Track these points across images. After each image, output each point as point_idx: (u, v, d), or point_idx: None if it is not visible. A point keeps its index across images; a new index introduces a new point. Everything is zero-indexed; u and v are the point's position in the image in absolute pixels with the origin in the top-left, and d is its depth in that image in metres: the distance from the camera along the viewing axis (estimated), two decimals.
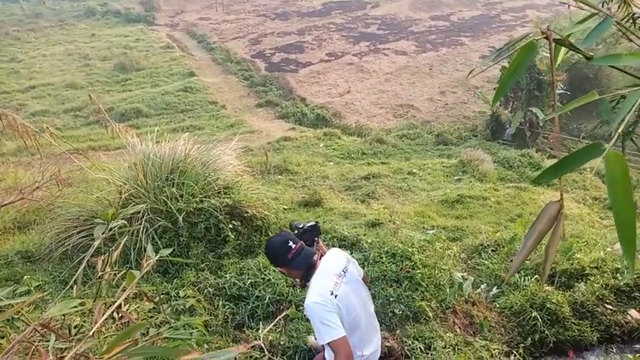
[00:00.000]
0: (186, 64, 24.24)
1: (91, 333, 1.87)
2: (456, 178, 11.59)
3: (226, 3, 38.28)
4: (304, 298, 4.85)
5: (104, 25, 34.37)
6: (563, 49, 3.00)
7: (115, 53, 25.88)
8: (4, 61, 25.94)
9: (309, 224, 3.50)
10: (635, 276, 5.19)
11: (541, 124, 15.36)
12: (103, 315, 1.94)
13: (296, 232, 3.48)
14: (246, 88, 21.59)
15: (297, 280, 2.97)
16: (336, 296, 2.71)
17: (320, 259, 3.00)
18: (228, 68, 24.02)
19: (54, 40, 30.53)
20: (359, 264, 5.11)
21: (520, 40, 1.24)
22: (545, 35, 1.19)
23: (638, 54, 1.24)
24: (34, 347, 1.80)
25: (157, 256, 2.05)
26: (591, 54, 1.30)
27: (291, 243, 2.84)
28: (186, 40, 29.92)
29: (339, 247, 6.07)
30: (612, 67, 1.38)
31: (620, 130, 1.12)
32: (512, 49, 1.32)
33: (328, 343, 2.58)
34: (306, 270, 2.85)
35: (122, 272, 2.30)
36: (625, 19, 5.26)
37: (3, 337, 2.14)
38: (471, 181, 11.13)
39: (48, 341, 1.93)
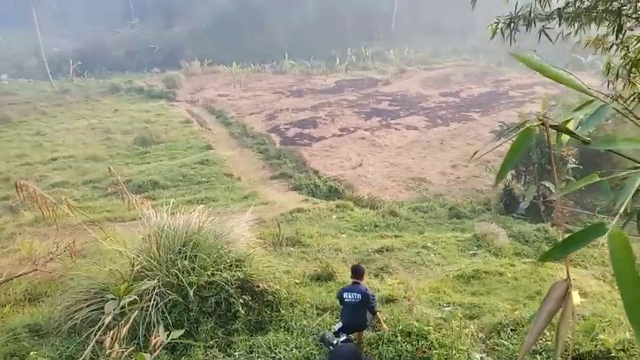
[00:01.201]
0: (203, 137, 25.07)
1: None
2: (471, 252, 11.40)
3: (244, 81, 40.20)
4: None
5: (127, 100, 36.12)
6: (571, 123, 3.07)
7: (137, 127, 26.95)
8: (29, 134, 27.08)
9: (342, 340, 3.95)
10: None
11: (554, 198, 15.28)
12: None
13: (331, 347, 3.82)
14: (262, 160, 22.10)
15: None
16: None
17: None
18: (244, 142, 24.76)
19: (78, 114, 32.01)
20: (372, 344, 5.08)
21: (519, 126, 1.31)
22: (542, 122, 1.25)
23: (632, 140, 1.30)
24: None
25: (168, 339, 2.02)
26: (589, 139, 1.36)
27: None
28: (204, 115, 31.15)
29: None
30: (610, 151, 1.43)
31: (621, 211, 1.15)
32: (512, 134, 1.38)
33: None
34: None
35: (130, 349, 2.26)
36: (631, 98, 5.37)
37: None
38: (486, 256, 10.93)
39: None
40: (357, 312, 5.13)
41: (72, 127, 28.57)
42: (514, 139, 1.29)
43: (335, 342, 3.75)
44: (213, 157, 21.44)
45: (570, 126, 1.43)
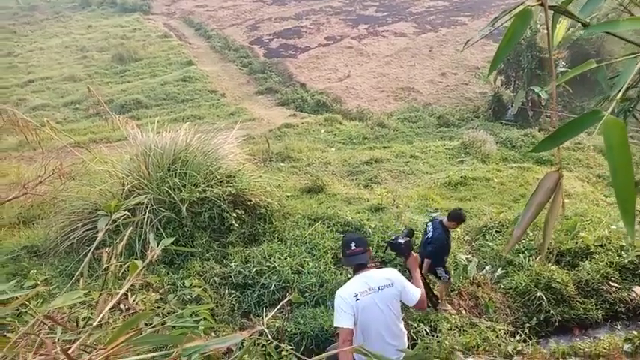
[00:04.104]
0: (184, 52, 24.06)
1: (95, 323, 1.88)
2: (458, 160, 11.55)
3: None
4: (310, 284, 4.88)
5: (100, 15, 34.08)
6: (563, 26, 2.91)
7: (113, 44, 25.68)
8: (1, 55, 25.80)
9: (403, 240, 3.79)
10: (638, 252, 5.18)
11: (543, 103, 15.22)
12: (108, 305, 1.95)
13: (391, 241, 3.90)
14: (245, 75, 21.45)
15: None
16: (358, 300, 3.05)
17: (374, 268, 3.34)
18: (226, 56, 23.84)
19: (50, 32, 30.33)
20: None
21: (515, 8, 1.20)
22: (540, 2, 1.15)
23: (635, 20, 1.21)
24: (40, 339, 1.81)
25: (161, 246, 2.05)
26: (588, 21, 1.27)
27: (353, 244, 3.22)
28: (183, 28, 29.66)
29: (343, 233, 6.08)
30: (609, 33, 1.34)
31: (618, 97, 1.11)
32: (505, 21, 1.29)
33: (336, 327, 3.08)
34: (354, 269, 3.28)
35: (127, 263, 2.30)
36: None
37: (12, 331, 2.15)
38: (473, 163, 11.09)
39: (55, 334, 1.93)
40: (425, 245, 5.12)
41: (45, 46, 27.17)
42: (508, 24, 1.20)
43: (394, 240, 3.93)
44: (196, 73, 20.74)
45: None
